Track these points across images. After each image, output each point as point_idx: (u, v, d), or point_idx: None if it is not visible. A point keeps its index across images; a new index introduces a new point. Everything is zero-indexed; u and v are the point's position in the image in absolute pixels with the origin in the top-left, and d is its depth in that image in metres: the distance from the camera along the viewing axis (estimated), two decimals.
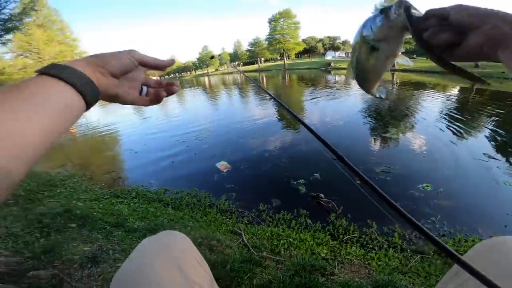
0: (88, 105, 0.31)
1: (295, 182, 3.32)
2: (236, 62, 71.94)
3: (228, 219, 2.53)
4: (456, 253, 0.32)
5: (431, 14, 0.32)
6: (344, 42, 63.72)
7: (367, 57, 0.38)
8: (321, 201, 2.77)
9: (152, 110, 12.35)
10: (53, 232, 2.04)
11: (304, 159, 4.14)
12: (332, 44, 62.82)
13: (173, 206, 2.94)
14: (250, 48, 57.26)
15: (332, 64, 36.31)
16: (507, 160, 3.59)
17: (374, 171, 3.49)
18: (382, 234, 2.18)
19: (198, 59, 74.78)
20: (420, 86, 12.28)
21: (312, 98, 10.07)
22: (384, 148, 4.43)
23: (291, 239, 1.87)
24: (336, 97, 10.06)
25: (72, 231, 2.05)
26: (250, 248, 1.70)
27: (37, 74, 0.28)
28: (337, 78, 20.87)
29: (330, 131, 5.61)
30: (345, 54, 63.10)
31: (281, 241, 1.85)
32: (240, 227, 2.12)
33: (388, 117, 6.41)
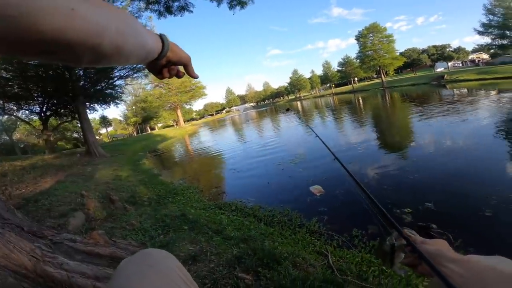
0: (157, 58, 0.44)
1: (398, 211, 2.94)
2: (328, 84, 70.90)
3: (316, 240, 2.47)
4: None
5: (405, 244, 0.57)
6: (458, 50, 51.95)
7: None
8: (432, 232, 2.32)
9: (252, 135, 13.65)
10: (171, 231, 2.54)
11: (412, 187, 3.61)
12: (441, 54, 52.27)
13: (265, 222, 3.12)
14: (340, 69, 55.53)
15: (446, 76, 30.53)
16: None
17: None
18: None
19: (289, 83, 77.34)
20: None
21: (424, 119, 8.50)
22: None
23: (384, 267, 1.66)
24: (459, 115, 8.15)
25: (184, 232, 2.49)
26: (335, 270, 1.62)
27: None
28: (456, 92, 17.28)
29: (448, 155, 4.66)
30: (462, 63, 51.86)
31: (372, 268, 1.67)
32: (327, 249, 2.04)
33: None
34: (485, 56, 48.31)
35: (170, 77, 0.53)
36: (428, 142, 5.76)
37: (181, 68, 0.53)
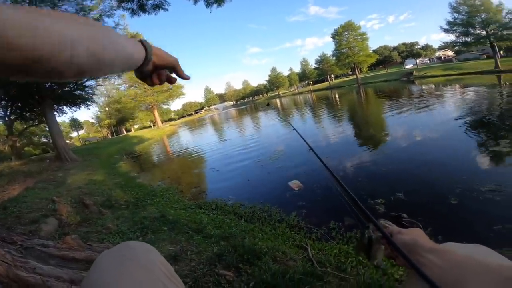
0: (142, 64, 0.44)
1: (372, 202, 3.08)
2: (306, 82, 72.24)
3: (296, 234, 2.53)
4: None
5: (382, 236, 0.56)
6: (425, 47, 55.49)
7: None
8: (404, 222, 2.47)
9: (232, 134, 13.60)
10: (150, 232, 2.49)
11: (385, 179, 3.82)
12: (410, 51, 55.66)
13: (245, 219, 3.14)
14: (317, 66, 56.79)
15: (414, 73, 32.33)
16: None
17: (477, 190, 2.92)
18: None
19: (268, 81, 77.62)
20: None
21: (395, 113, 9.02)
22: (492, 164, 3.64)
23: (360, 258, 1.74)
24: (426, 108, 8.75)
25: (164, 233, 2.45)
26: (314, 263, 1.67)
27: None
28: (424, 87, 18.34)
29: (417, 146, 4.98)
30: (429, 60, 55.20)
31: (349, 259, 1.75)
32: (307, 242, 2.10)
33: (499, 127, 5.25)
34: (450, 53, 51.57)
35: (161, 83, 0.53)
36: (398, 134, 6.08)
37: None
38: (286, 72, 76.90)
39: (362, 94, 23.34)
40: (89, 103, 13.72)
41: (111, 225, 2.68)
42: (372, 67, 63.57)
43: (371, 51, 44.85)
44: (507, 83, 12.87)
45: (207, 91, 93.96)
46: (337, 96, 26.55)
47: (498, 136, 4.60)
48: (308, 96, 40.14)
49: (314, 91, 55.36)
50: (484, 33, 23.11)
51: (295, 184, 4.13)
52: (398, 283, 1.44)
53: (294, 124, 11.59)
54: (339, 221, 2.72)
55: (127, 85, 36.41)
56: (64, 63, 0.29)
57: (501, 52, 29.48)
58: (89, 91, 13.24)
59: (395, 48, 62.38)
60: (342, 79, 65.58)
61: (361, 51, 41.44)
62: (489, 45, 23.58)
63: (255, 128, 14.40)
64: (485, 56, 35.94)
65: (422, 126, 6.39)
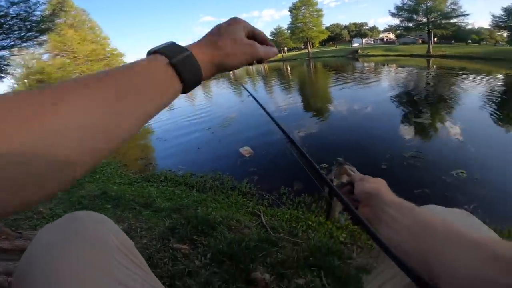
0: (185, 88, 0.29)
1: (317, 167, 3.30)
2: None
3: (249, 201, 2.60)
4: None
5: (347, 182, 0.55)
6: (372, 29, 60.25)
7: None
8: None
9: (180, 101, 12.82)
10: None
11: (329, 145, 4.16)
12: (359, 31, 59.89)
13: (197, 189, 3.07)
14: (272, 38, 56.42)
15: (359, 51, 34.66)
16: None
17: (402, 156, 3.38)
18: None
19: None
20: (460, 71, 11.39)
21: (339, 86, 9.77)
22: (414, 134, 4.24)
23: (310, 222, 1.88)
24: (365, 84, 9.70)
25: (107, 211, 2.24)
26: (268, 229, 1.74)
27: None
28: (366, 65, 19.86)
29: (356, 117, 5.47)
30: (373, 40, 60.11)
31: (300, 224, 1.87)
32: (259, 209, 2.17)
33: (422, 102, 6.08)
34: (392, 36, 56.24)
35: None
36: (341, 107, 6.60)
37: None
38: None
39: (312, 67, 24.17)
40: (2, 75, 11.12)
41: (42, 209, 2.33)
42: (323, 43, 65.99)
43: (324, 28, 46.19)
44: (434, 66, 14.82)
45: None
46: (288, 68, 26.95)
47: (420, 110, 5.33)
48: (261, 67, 39.79)
49: (267, 62, 55.00)
50: (425, 20, 25.47)
51: (246, 150, 4.16)
52: (343, 245, 1.59)
53: (245, 93, 11.52)
54: (289, 186, 2.87)
55: (52, 53, 30.25)
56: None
57: (435, 39, 33.18)
58: (2, 62, 10.64)
59: (346, 27, 65.55)
60: (294, 52, 66.32)
61: (315, 27, 42.49)
62: (426, 31, 26.19)
63: (206, 96, 13.85)
64: (420, 41, 40.04)
65: (360, 100, 7.05)
